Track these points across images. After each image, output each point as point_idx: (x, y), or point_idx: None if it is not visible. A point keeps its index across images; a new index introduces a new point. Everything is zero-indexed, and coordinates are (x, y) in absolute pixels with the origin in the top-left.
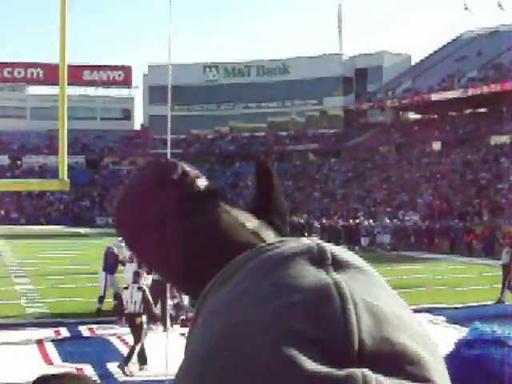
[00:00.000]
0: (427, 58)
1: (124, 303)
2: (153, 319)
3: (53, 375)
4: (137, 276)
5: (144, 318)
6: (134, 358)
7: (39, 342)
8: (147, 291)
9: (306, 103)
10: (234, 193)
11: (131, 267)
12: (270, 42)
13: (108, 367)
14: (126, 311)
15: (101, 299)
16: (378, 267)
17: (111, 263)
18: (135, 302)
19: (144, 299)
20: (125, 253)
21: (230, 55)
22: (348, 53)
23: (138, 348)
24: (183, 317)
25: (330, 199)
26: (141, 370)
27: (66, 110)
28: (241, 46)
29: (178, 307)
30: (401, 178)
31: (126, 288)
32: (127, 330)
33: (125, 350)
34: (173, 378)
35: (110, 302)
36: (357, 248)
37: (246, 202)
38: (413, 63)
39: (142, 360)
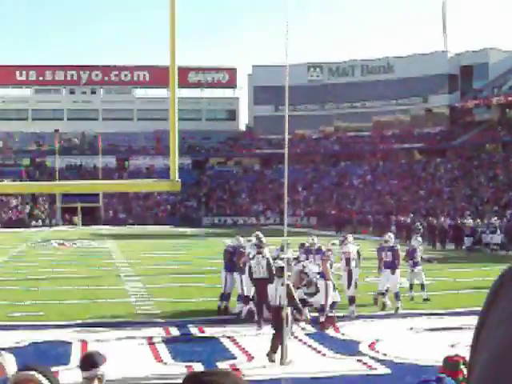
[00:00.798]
0: None
1: (269, 296)
2: (298, 312)
3: (202, 372)
4: (281, 271)
5: (288, 311)
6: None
7: (149, 341)
8: (291, 286)
9: (411, 101)
10: (339, 193)
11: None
12: (373, 40)
13: (218, 366)
14: (270, 303)
15: (223, 297)
16: (487, 265)
17: (231, 262)
18: (280, 296)
19: (288, 294)
20: (247, 250)
21: (333, 55)
22: (453, 50)
23: (286, 340)
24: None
25: (436, 198)
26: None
27: (176, 111)
28: (344, 45)
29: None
30: (508, 176)
31: (271, 282)
32: (236, 329)
33: (235, 350)
34: (287, 376)
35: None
36: (463, 248)
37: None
38: None
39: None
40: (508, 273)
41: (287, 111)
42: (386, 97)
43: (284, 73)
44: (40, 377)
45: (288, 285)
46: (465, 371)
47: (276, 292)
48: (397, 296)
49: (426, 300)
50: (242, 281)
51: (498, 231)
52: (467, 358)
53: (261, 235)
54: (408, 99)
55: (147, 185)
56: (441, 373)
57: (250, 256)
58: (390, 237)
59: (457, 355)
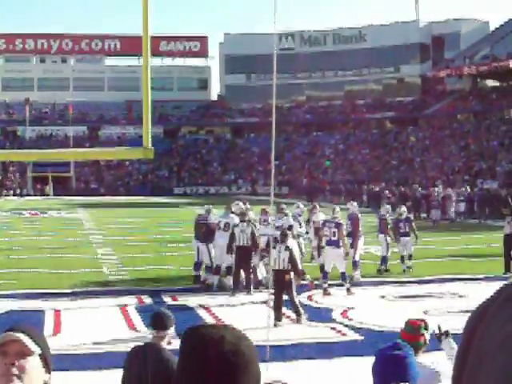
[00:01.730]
0: (506, 23)
1: (272, 261)
2: (300, 276)
3: (201, 325)
4: (284, 236)
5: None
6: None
7: (122, 309)
8: (294, 251)
9: (383, 71)
10: (311, 162)
11: (223, 234)
12: (345, 9)
13: None
14: (273, 268)
15: (196, 266)
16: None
17: (202, 232)
18: (283, 260)
19: (291, 258)
20: (215, 219)
21: (305, 24)
22: (425, 19)
23: (296, 300)
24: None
25: (407, 168)
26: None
27: (149, 79)
28: (316, 14)
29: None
30: (479, 146)
31: (274, 248)
32: (208, 298)
33: (209, 318)
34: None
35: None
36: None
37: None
38: (491, 30)
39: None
40: (495, 294)
41: (275, 80)
42: (358, 66)
43: (255, 42)
44: (26, 339)
45: (291, 249)
46: (426, 336)
47: (279, 255)
48: (410, 257)
49: (409, 268)
50: (209, 251)
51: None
52: (429, 323)
53: (241, 204)
54: (380, 69)
55: (120, 152)
56: (402, 337)
57: (221, 225)
58: (405, 210)
59: (418, 319)
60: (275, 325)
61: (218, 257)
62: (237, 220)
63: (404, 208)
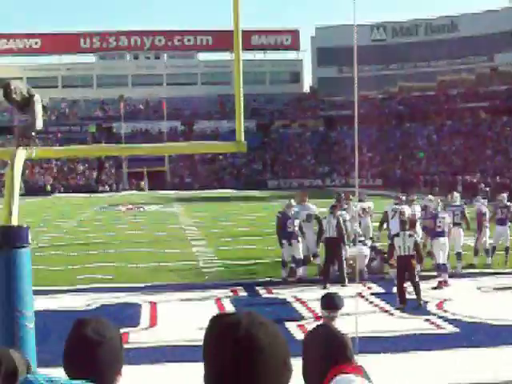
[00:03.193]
0: None
1: (397, 248)
2: (421, 263)
3: (228, 313)
4: (405, 224)
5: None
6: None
7: (218, 302)
8: (418, 238)
9: (476, 60)
10: (404, 153)
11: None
12: None
13: (286, 326)
14: (398, 254)
15: (283, 264)
16: None
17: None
18: (408, 247)
19: (415, 244)
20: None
21: (397, 14)
22: None
23: (419, 285)
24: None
25: (502, 157)
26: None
27: (241, 73)
28: (408, 4)
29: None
30: None
31: (397, 235)
32: (303, 290)
33: (302, 310)
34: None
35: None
36: None
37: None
38: None
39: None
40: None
41: (356, 73)
42: (451, 56)
43: (346, 33)
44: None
45: (415, 237)
46: None
47: (404, 242)
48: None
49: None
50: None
51: None
52: None
53: (341, 195)
54: (473, 58)
55: (214, 146)
56: None
57: (304, 217)
58: (504, 197)
59: None
60: (399, 308)
61: (305, 248)
62: (314, 208)
63: (504, 195)
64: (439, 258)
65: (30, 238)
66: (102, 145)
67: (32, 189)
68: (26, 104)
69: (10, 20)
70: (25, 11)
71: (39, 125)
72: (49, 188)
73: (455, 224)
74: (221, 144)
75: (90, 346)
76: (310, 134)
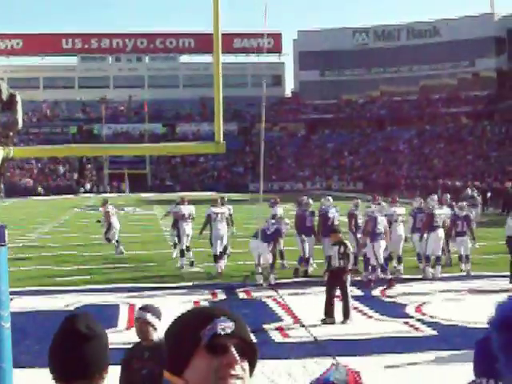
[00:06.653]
0: None
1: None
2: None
3: (205, 307)
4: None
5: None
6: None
7: (196, 304)
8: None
9: (458, 65)
10: (386, 157)
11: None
12: (419, 3)
13: (264, 328)
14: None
15: (301, 260)
16: None
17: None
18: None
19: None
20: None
21: (379, 19)
22: (500, 13)
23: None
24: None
25: (483, 162)
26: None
27: (220, 75)
28: (390, 9)
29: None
30: None
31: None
32: (283, 292)
33: (281, 313)
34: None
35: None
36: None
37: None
38: None
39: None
40: None
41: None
42: (433, 61)
43: (329, 37)
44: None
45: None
46: None
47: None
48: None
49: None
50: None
51: None
52: None
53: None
54: (455, 63)
55: (193, 147)
56: None
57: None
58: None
59: None
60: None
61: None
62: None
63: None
64: (380, 258)
65: (6, 237)
66: (77, 145)
67: (12, 190)
68: (9, 103)
69: None
70: (6, 11)
71: (20, 124)
72: (30, 189)
73: (435, 227)
74: (200, 145)
75: (82, 341)
76: (291, 137)
